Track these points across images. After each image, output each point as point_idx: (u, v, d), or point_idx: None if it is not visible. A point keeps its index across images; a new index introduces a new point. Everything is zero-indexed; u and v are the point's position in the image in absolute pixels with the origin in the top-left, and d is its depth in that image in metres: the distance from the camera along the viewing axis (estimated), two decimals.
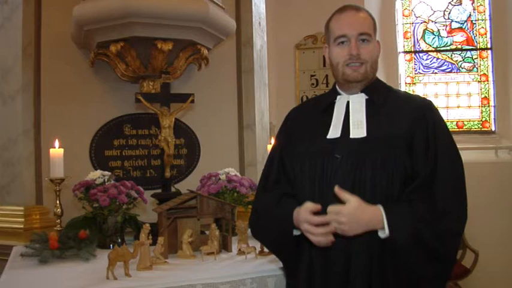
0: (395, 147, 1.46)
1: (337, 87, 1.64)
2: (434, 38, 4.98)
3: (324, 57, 4.62)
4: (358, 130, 1.51)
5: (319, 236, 1.40)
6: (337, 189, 1.39)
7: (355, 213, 1.37)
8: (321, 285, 1.48)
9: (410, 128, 1.47)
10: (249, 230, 2.28)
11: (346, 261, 1.45)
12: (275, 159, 1.69)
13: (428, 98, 1.62)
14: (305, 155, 1.56)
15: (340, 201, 1.40)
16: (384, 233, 1.38)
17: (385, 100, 1.56)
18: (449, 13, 4.96)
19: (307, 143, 1.57)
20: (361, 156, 1.46)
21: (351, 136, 1.50)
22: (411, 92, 4.88)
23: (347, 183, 1.44)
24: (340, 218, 1.36)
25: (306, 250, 1.53)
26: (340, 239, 1.42)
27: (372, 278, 1.42)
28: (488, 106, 4.80)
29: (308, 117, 1.67)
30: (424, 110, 1.52)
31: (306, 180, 1.54)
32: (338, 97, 1.61)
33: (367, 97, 1.57)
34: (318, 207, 1.42)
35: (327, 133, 1.55)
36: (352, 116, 1.54)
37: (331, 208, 1.38)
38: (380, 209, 1.39)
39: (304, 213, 1.43)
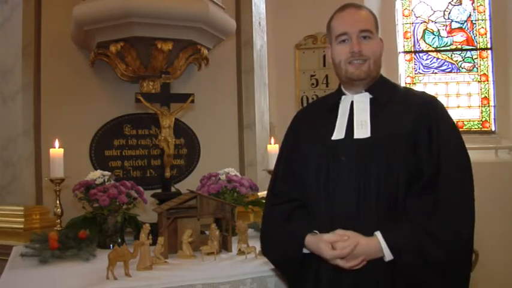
0: (400, 147, 1.45)
1: (342, 87, 1.64)
2: (434, 38, 4.98)
3: (324, 57, 4.63)
4: (362, 130, 1.50)
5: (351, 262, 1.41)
6: None
7: (367, 250, 1.39)
8: None
9: (414, 126, 1.46)
10: (249, 230, 2.30)
11: (354, 282, 1.44)
12: (282, 159, 1.69)
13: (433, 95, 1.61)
14: (311, 156, 1.56)
15: (346, 205, 1.43)
16: (388, 257, 1.39)
17: (389, 98, 1.55)
18: (449, 13, 4.95)
19: (313, 143, 1.57)
20: (366, 157, 1.45)
21: (355, 136, 1.50)
22: None
23: (352, 184, 1.44)
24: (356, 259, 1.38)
25: (313, 269, 1.51)
26: None
27: None
28: (488, 106, 4.80)
29: (314, 118, 1.66)
30: (428, 107, 1.51)
31: (312, 181, 1.53)
32: (343, 97, 1.61)
33: (371, 96, 1.56)
34: (336, 238, 1.41)
35: (332, 134, 1.54)
36: (356, 116, 1.53)
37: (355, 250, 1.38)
38: (377, 238, 1.39)
39: (326, 248, 1.41)
